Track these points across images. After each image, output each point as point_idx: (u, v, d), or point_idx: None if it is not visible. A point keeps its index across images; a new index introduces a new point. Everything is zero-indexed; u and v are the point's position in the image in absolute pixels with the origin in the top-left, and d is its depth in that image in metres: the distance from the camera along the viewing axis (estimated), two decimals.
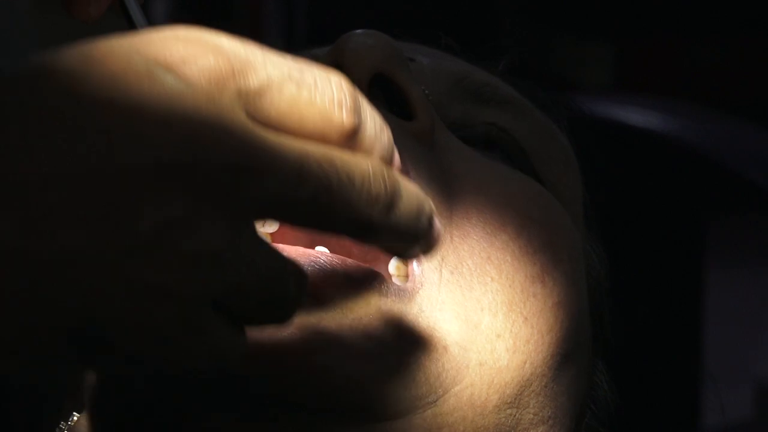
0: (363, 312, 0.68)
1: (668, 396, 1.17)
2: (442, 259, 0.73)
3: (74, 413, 0.79)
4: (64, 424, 0.78)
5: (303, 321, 0.68)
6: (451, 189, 0.74)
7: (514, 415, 0.74)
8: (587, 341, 0.79)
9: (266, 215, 0.56)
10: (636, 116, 1.21)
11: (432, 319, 0.71)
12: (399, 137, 0.70)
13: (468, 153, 0.77)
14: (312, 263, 0.69)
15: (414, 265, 0.72)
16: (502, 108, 0.84)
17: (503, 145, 0.82)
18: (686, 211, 1.03)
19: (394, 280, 0.72)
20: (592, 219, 0.87)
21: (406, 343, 0.69)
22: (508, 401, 0.73)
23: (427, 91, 0.79)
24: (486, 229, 0.74)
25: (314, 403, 0.68)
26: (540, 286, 0.73)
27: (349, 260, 0.70)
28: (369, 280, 0.70)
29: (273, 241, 0.73)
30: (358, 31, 0.76)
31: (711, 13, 1.96)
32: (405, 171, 0.71)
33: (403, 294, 0.70)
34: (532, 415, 0.76)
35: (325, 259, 0.69)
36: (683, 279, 1.20)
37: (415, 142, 0.74)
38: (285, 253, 0.67)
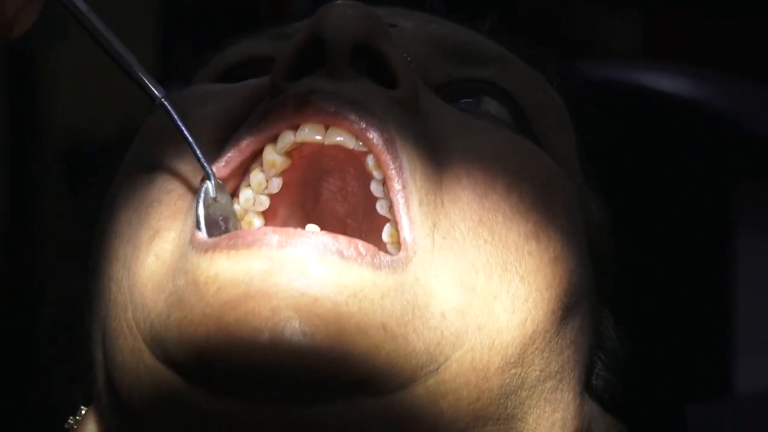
0: (358, 287, 0.67)
1: (700, 361, 1.17)
2: (434, 225, 0.72)
3: (82, 407, 0.80)
4: (73, 418, 0.81)
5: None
6: (439, 154, 0.73)
7: (519, 374, 0.72)
8: (589, 292, 0.78)
9: None
10: (665, 82, 1.19)
11: (428, 287, 0.70)
12: (384, 106, 0.72)
13: (455, 116, 0.77)
14: (305, 242, 0.69)
15: (406, 233, 0.71)
16: (488, 65, 0.82)
17: (492, 100, 0.81)
18: (716, 176, 1.03)
19: (388, 247, 0.72)
20: (589, 166, 0.86)
21: (403, 314, 0.69)
22: (512, 361, 0.72)
23: (409, 58, 0.78)
24: (476, 191, 0.73)
25: (314, 380, 0.67)
26: (535, 244, 0.72)
27: (341, 236, 0.69)
28: (361, 255, 0.68)
29: (265, 221, 0.73)
30: (338, 1, 0.74)
31: None
32: (391, 139, 0.71)
33: (396, 264, 0.69)
34: (538, 372, 0.74)
35: (317, 238, 0.68)
36: (713, 244, 1.20)
37: (400, 110, 0.73)
38: (277, 233, 0.68)
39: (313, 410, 0.68)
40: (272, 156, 0.73)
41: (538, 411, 0.74)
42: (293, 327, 0.66)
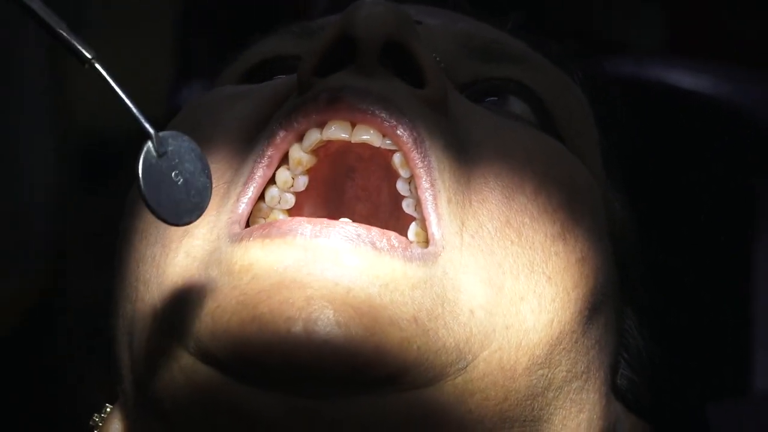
0: (389, 278, 0.67)
1: (721, 360, 1.17)
2: (462, 224, 0.72)
3: (107, 405, 0.81)
4: (98, 415, 0.81)
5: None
6: (467, 154, 0.73)
7: (546, 375, 0.71)
8: (613, 291, 0.78)
9: None
10: (688, 79, 1.19)
11: (456, 281, 0.70)
12: (413, 105, 0.72)
13: (483, 116, 0.77)
14: (338, 233, 0.68)
15: (434, 228, 0.71)
16: (514, 63, 0.82)
17: (518, 99, 0.81)
18: (739, 176, 1.02)
19: (415, 246, 0.71)
20: (613, 166, 0.86)
21: (433, 307, 0.68)
22: (539, 362, 0.72)
23: (438, 58, 0.78)
24: (504, 192, 0.73)
25: (348, 372, 0.67)
26: (562, 245, 0.72)
27: (374, 228, 0.69)
28: (393, 247, 0.69)
29: (290, 215, 0.73)
30: (369, 1, 0.74)
31: None
32: (420, 138, 0.71)
33: (427, 257, 0.69)
34: (565, 373, 0.74)
35: (350, 229, 0.68)
36: (735, 243, 1.20)
37: (429, 110, 0.72)
38: (311, 224, 0.68)
39: (344, 402, 0.68)
40: (299, 154, 0.73)
41: (564, 412, 0.74)
42: (327, 317, 0.66)
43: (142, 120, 0.68)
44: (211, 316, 0.68)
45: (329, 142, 0.72)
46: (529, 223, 0.73)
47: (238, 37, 0.88)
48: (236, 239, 0.69)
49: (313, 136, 0.72)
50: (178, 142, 0.68)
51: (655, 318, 0.85)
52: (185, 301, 0.70)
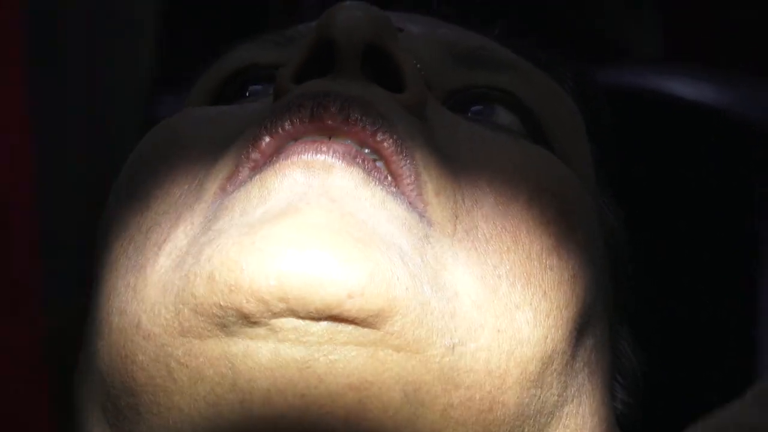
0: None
1: (725, 371, 1.16)
2: (456, 217, 0.70)
3: None
4: None
5: None
6: (454, 162, 0.72)
7: (539, 397, 0.70)
8: (604, 309, 0.76)
9: None
10: (686, 88, 1.19)
11: (444, 261, 0.68)
12: (391, 109, 0.70)
13: (465, 126, 0.76)
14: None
15: (430, 193, 0.69)
16: (500, 71, 0.81)
17: (505, 109, 0.80)
18: (737, 184, 1.02)
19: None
20: (605, 177, 0.84)
21: (421, 272, 0.67)
22: (531, 379, 0.69)
23: (419, 65, 0.76)
24: (498, 199, 0.71)
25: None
26: (556, 259, 0.70)
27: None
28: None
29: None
30: (346, 2, 0.73)
31: None
32: (401, 142, 0.69)
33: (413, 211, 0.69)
34: (556, 397, 0.72)
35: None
36: (737, 251, 1.19)
37: (407, 113, 0.71)
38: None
39: (339, 352, 0.66)
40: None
41: None
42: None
43: None
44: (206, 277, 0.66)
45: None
46: (526, 233, 0.71)
47: (215, 46, 0.87)
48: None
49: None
50: None
51: (651, 336, 0.83)
52: (174, 283, 0.68)
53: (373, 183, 0.68)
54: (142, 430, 0.70)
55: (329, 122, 0.68)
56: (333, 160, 0.67)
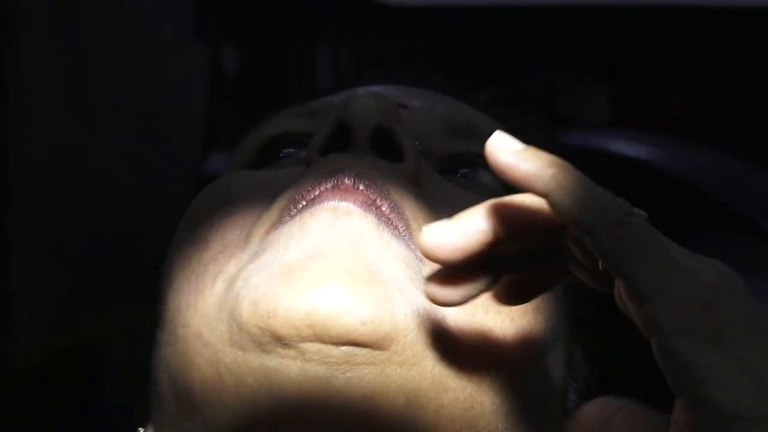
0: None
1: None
2: None
3: (140, 429, 0.86)
4: None
5: None
6: (439, 212, 0.79)
7: (510, 399, 0.77)
8: (563, 330, 0.83)
9: None
10: (628, 148, 1.27)
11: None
12: (392, 176, 0.80)
13: (447, 187, 0.84)
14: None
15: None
16: (483, 141, 0.85)
17: (486, 171, 0.89)
18: (674, 234, 1.07)
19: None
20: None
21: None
22: (503, 384, 0.77)
23: (416, 141, 0.86)
24: None
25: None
26: None
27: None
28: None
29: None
30: (361, 92, 0.83)
31: (696, 59, 2.06)
32: (395, 204, 0.78)
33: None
34: (525, 399, 0.79)
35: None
36: None
37: (404, 180, 0.81)
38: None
39: (351, 374, 0.73)
40: None
41: None
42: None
43: None
44: (251, 302, 0.74)
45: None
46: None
47: (256, 111, 0.96)
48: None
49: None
50: None
51: (601, 352, 0.89)
52: (227, 305, 0.76)
53: (382, 226, 0.76)
54: (197, 420, 0.78)
55: (345, 190, 0.77)
56: (353, 207, 0.76)
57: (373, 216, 0.76)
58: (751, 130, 2.00)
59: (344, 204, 0.76)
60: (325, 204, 0.76)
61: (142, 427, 0.86)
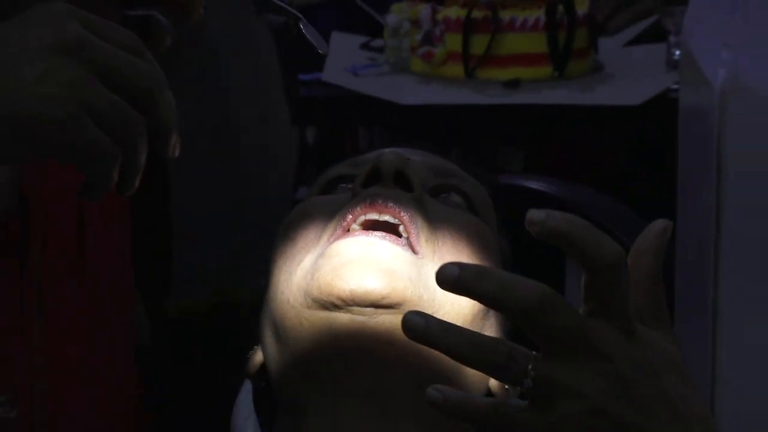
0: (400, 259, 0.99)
1: None
2: (434, 251, 1.00)
3: (255, 346, 1.10)
4: (251, 352, 1.11)
5: None
6: (434, 224, 1.01)
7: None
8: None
9: None
10: (535, 185, 1.55)
11: (430, 272, 0.97)
12: (407, 199, 1.00)
13: (440, 207, 1.04)
14: (378, 241, 0.99)
15: (417, 247, 0.99)
16: (455, 178, 1.11)
17: (456, 194, 1.09)
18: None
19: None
20: (501, 227, 1.15)
21: (418, 277, 0.98)
22: (468, 321, 0.99)
23: (419, 179, 1.05)
24: (456, 246, 1.02)
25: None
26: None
27: (394, 237, 1.00)
28: (402, 247, 0.99)
29: None
30: (387, 151, 1.03)
31: (583, 131, 2.77)
32: (410, 217, 0.98)
33: (415, 256, 0.97)
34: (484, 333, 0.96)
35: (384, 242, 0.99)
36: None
37: (413, 203, 1.01)
38: (366, 235, 0.97)
39: (379, 317, 0.95)
40: (354, 225, 1.01)
41: (468, 376, 1.00)
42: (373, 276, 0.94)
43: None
44: (319, 280, 0.97)
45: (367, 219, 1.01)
46: (466, 256, 1.00)
47: (324, 163, 1.19)
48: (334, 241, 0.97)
49: (361, 218, 1.01)
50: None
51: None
52: (304, 282, 0.98)
53: (394, 245, 0.96)
54: (289, 343, 0.99)
55: (379, 208, 0.98)
56: (375, 239, 0.96)
57: (388, 242, 0.96)
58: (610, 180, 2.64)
59: (370, 237, 0.96)
60: (360, 235, 0.97)
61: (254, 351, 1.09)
